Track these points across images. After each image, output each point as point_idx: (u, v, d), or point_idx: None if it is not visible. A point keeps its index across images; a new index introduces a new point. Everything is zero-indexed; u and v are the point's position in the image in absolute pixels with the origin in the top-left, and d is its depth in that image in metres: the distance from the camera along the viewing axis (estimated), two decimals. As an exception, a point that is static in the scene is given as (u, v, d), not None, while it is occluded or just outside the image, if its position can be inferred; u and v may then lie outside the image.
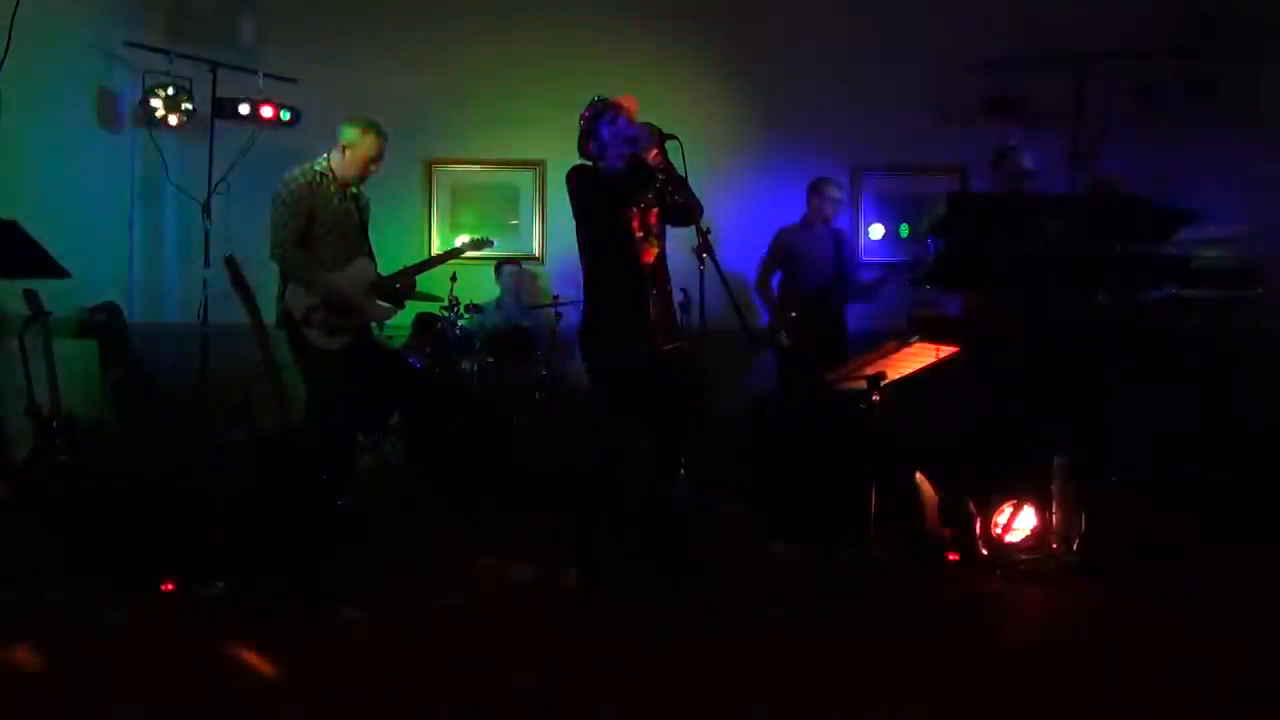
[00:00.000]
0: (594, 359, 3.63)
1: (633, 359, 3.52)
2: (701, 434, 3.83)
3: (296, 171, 4.09)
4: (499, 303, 5.95)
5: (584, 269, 3.65)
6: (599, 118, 3.59)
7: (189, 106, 5.84)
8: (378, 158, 4.18)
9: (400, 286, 4.38)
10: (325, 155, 4.18)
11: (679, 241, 3.82)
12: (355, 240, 4.23)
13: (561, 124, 3.82)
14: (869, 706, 2.52)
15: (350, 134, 4.13)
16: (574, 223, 3.63)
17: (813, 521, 4.03)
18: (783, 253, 5.61)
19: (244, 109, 5.89)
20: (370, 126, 4.14)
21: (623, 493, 3.75)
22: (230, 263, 3.81)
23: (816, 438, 4.33)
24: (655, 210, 3.63)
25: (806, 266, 5.55)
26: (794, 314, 5.44)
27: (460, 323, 5.43)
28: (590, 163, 3.63)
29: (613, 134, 3.55)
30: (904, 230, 6.47)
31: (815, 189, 5.60)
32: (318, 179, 4.10)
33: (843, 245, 5.64)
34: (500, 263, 6.07)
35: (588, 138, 3.62)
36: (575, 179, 3.58)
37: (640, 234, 3.57)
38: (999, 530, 3.77)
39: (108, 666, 2.67)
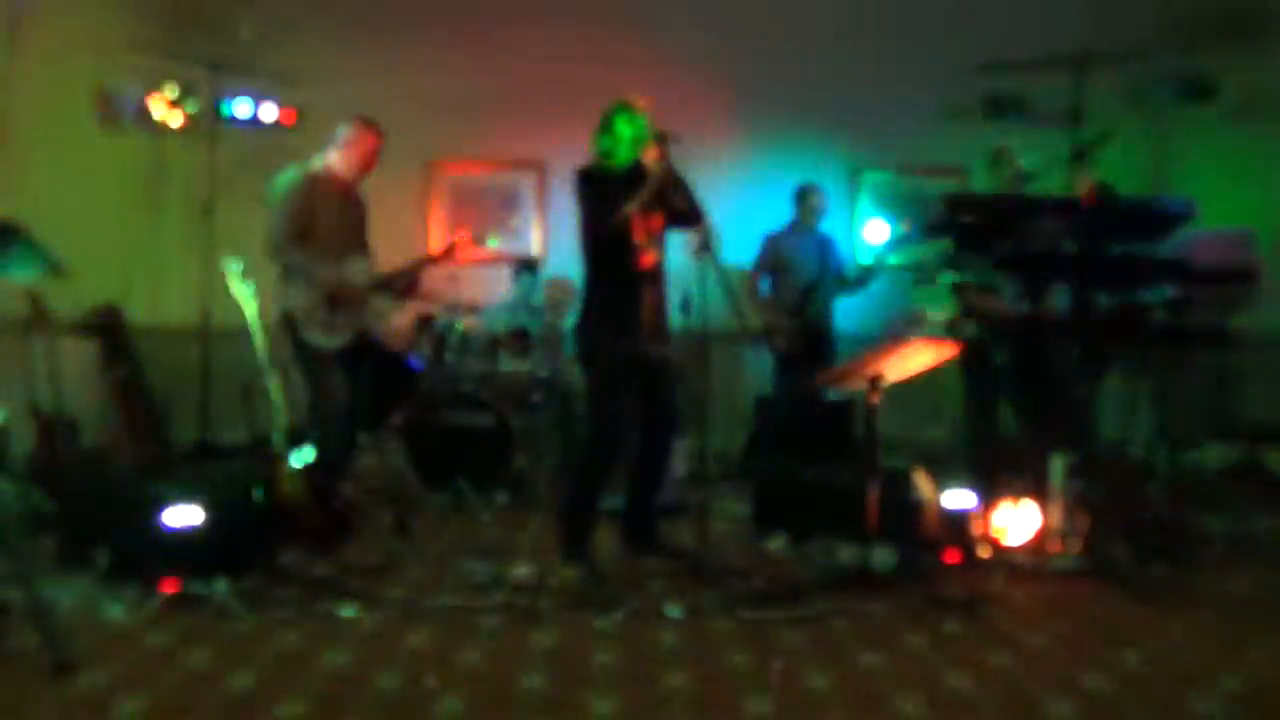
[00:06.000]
0: (584, 355, 3.73)
1: (620, 359, 3.61)
2: (700, 433, 3.84)
3: (297, 170, 4.14)
4: (510, 304, 5.93)
5: (585, 267, 3.71)
6: (618, 113, 3.66)
7: (189, 107, 5.85)
8: (376, 154, 4.25)
9: (406, 284, 4.45)
10: (321, 155, 4.21)
11: (681, 242, 3.83)
12: (353, 240, 4.26)
13: (561, 124, 3.84)
14: (869, 706, 2.53)
15: (351, 131, 4.19)
16: (579, 223, 3.67)
17: (813, 521, 4.04)
18: (771, 257, 5.68)
19: (244, 109, 5.90)
20: (370, 123, 4.23)
21: (616, 485, 3.81)
22: (230, 264, 3.83)
23: (816, 437, 4.34)
24: (658, 216, 3.66)
25: (794, 271, 5.63)
26: (785, 319, 5.52)
27: (458, 324, 5.43)
28: (600, 159, 3.68)
29: (627, 132, 3.63)
30: (899, 231, 6.47)
31: (800, 196, 5.70)
32: (317, 178, 4.13)
33: (829, 251, 5.71)
34: (518, 266, 5.94)
35: (602, 132, 3.69)
36: (581, 179, 3.64)
37: (642, 239, 3.61)
38: (999, 530, 3.78)
39: (109, 667, 2.67)
